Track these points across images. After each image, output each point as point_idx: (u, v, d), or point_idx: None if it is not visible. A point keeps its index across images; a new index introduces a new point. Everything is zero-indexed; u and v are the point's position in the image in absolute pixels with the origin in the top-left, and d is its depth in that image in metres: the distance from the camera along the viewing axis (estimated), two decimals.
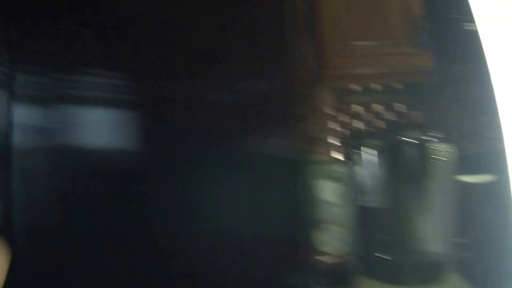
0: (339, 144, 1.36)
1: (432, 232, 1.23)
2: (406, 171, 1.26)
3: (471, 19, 0.97)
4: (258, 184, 0.89)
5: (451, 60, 1.28)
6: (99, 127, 0.85)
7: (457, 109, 1.35)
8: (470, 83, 1.32)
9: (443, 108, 1.37)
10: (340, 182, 1.23)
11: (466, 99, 1.36)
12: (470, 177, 1.33)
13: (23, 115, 0.82)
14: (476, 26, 0.96)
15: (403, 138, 1.24)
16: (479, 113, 1.34)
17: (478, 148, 1.35)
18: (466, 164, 1.29)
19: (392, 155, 1.24)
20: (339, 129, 1.37)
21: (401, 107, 1.37)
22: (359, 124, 1.40)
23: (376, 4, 1.18)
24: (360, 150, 1.25)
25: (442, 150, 1.25)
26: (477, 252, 1.27)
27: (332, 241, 1.19)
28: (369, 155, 1.24)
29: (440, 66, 1.23)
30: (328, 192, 1.21)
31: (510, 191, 1.12)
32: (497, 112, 1.04)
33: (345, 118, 1.37)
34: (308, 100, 1.09)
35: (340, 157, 1.31)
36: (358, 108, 1.37)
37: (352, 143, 1.28)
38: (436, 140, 1.26)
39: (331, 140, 1.39)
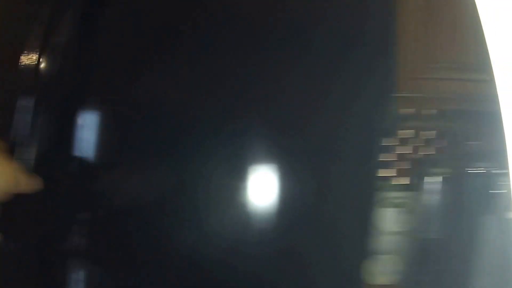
0: (403, 170, 1.32)
1: (486, 268, 1.17)
2: (467, 202, 1.21)
3: None
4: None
5: None
6: None
7: None
8: None
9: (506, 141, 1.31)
10: (400, 210, 1.19)
11: None
12: None
13: None
14: None
15: (467, 169, 1.20)
16: None
17: None
18: None
19: (455, 185, 1.19)
20: (404, 154, 1.33)
21: (468, 136, 1.32)
22: (425, 151, 1.36)
23: (453, 27, 1.13)
24: (424, 178, 1.20)
25: (502, 184, 1.20)
26: None
27: (385, 271, 1.14)
28: (432, 183, 1.20)
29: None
30: (386, 219, 1.17)
31: None
32: None
33: (412, 144, 1.34)
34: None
35: (403, 183, 1.27)
36: (424, 134, 1.33)
37: (416, 170, 1.24)
38: (498, 173, 1.21)
39: (396, 165, 1.35)
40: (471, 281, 1.18)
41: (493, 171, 1.21)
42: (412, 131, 1.37)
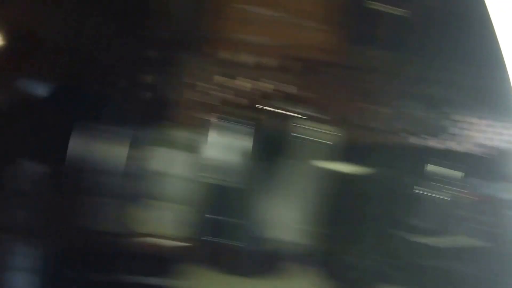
0: (202, 112, 1.24)
1: (284, 219, 1.16)
2: (270, 148, 1.17)
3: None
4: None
5: (357, 42, 1.17)
6: None
7: (350, 94, 1.25)
8: (369, 71, 1.23)
9: (336, 92, 1.26)
10: (188, 153, 1.11)
11: (362, 87, 1.26)
12: (348, 167, 1.26)
13: None
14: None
15: (276, 112, 1.15)
16: (371, 103, 1.26)
17: (362, 139, 1.27)
18: (347, 153, 1.22)
19: (261, 130, 1.15)
20: (205, 96, 1.23)
21: (286, 83, 1.25)
22: (230, 94, 1.27)
23: None
24: (225, 122, 1.13)
25: (322, 133, 1.18)
26: (332, 245, 1.22)
27: (164, 220, 1.07)
28: (233, 128, 1.13)
29: (345, 47, 1.15)
30: (169, 162, 1.08)
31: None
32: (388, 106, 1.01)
33: (214, 86, 1.25)
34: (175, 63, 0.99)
35: (198, 126, 1.18)
36: (231, 77, 1.24)
37: (217, 113, 1.15)
38: (318, 121, 1.20)
39: (192, 106, 1.25)
40: (268, 229, 1.17)
41: (294, 115, 1.17)
42: (217, 73, 1.28)
